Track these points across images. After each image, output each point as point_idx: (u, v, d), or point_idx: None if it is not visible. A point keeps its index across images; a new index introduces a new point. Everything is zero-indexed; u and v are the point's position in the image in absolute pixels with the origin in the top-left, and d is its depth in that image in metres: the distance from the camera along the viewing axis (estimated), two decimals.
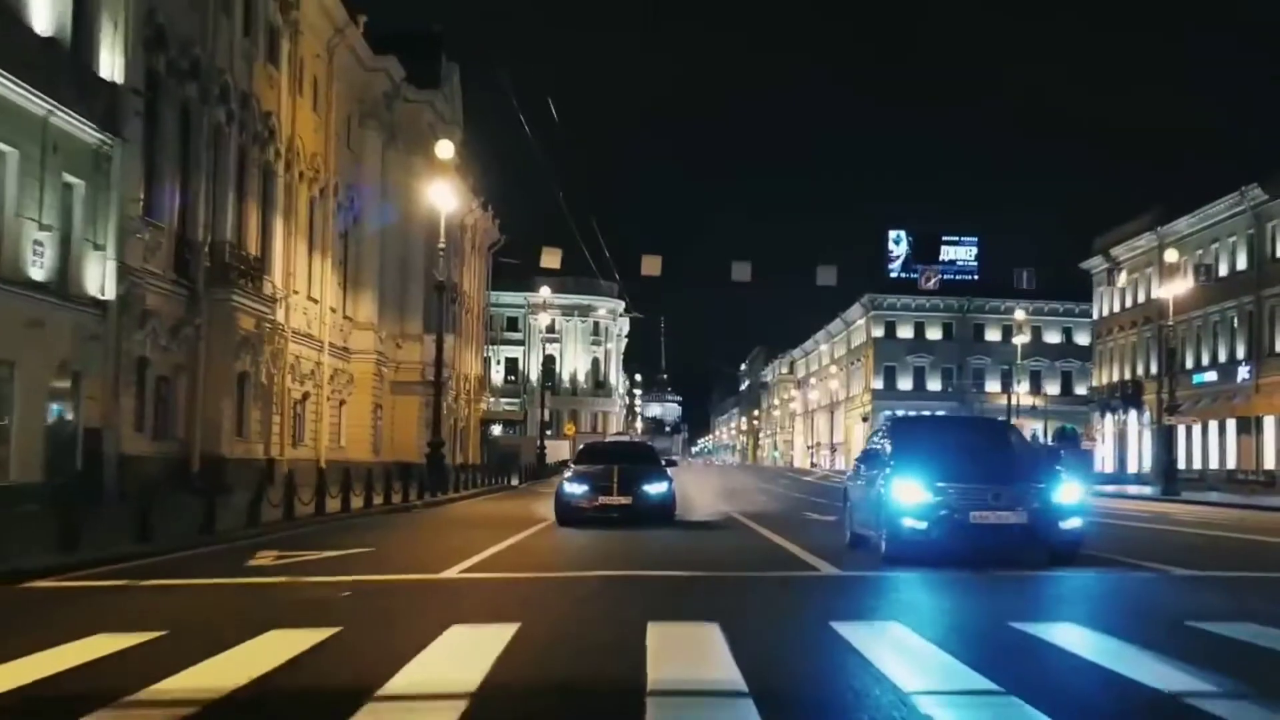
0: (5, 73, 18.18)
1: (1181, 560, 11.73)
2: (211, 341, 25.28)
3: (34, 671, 5.43)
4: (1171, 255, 46.34)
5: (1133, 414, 61.30)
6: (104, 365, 21.52)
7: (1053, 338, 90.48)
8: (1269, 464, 46.89)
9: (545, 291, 59.34)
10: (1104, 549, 12.34)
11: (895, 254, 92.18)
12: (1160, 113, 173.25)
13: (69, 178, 20.48)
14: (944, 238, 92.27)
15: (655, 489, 18.11)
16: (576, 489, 18.17)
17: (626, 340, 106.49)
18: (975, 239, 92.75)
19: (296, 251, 32.45)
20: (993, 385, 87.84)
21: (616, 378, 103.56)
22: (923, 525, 10.41)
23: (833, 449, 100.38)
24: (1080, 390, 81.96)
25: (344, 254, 37.51)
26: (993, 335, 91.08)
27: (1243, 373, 50.22)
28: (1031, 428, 79.65)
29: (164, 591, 9.22)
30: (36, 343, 19.35)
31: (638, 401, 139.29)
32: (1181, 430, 54.46)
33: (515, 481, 41.53)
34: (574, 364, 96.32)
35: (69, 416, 20.79)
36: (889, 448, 12.22)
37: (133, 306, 22.21)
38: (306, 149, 33.06)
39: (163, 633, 6.59)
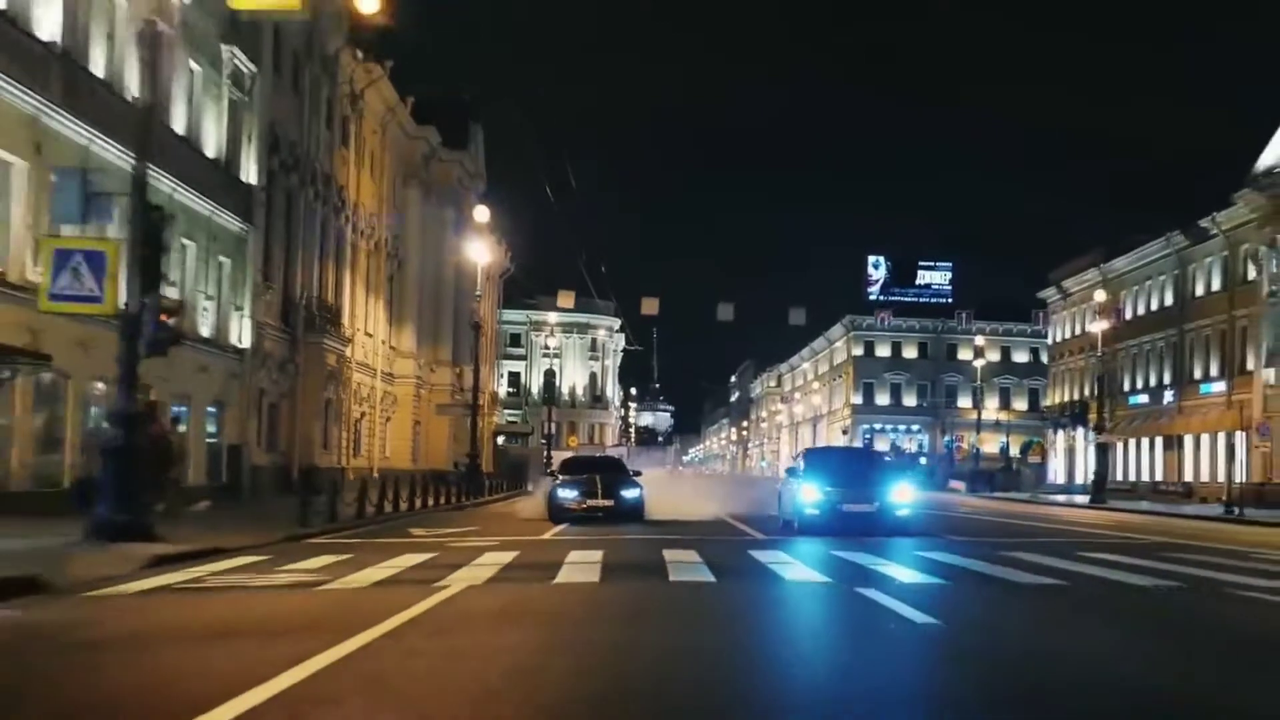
0: (189, 188, 25.66)
1: (965, 534, 19.32)
2: (307, 375, 32.75)
3: (388, 570, 12.66)
4: (1100, 295, 54.20)
5: (1079, 431, 68.87)
6: (240, 397, 29.02)
7: (1021, 357, 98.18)
8: (1188, 477, 54.48)
9: (552, 317, 66.91)
10: (931, 528, 19.99)
11: (875, 278, 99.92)
12: (1143, 136, 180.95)
13: (221, 258, 27.99)
14: (920, 263, 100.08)
15: (631, 494, 22.98)
16: (569, 493, 22.91)
17: (622, 354, 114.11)
18: (950, 264, 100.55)
19: (357, 296, 39.96)
20: (964, 401, 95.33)
21: (612, 391, 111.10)
22: (816, 511, 18.05)
23: None
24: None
25: (390, 294, 45.02)
26: (965, 354, 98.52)
27: (1168, 396, 57.97)
28: (1001, 440, 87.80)
29: (393, 542, 16.46)
30: (202, 382, 26.81)
31: (632, 413, 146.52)
32: (1119, 446, 62.38)
33: (530, 487, 48.87)
34: (573, 378, 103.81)
35: (218, 436, 28.29)
36: (802, 466, 20.04)
37: (259, 352, 29.71)
38: (365, 210, 40.57)
39: (432, 555, 13.89)
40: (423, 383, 47.50)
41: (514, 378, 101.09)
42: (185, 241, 25.70)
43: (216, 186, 27.18)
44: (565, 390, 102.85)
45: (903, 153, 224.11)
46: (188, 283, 26.06)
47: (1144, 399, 60.96)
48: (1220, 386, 52.84)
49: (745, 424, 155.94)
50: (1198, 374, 55.74)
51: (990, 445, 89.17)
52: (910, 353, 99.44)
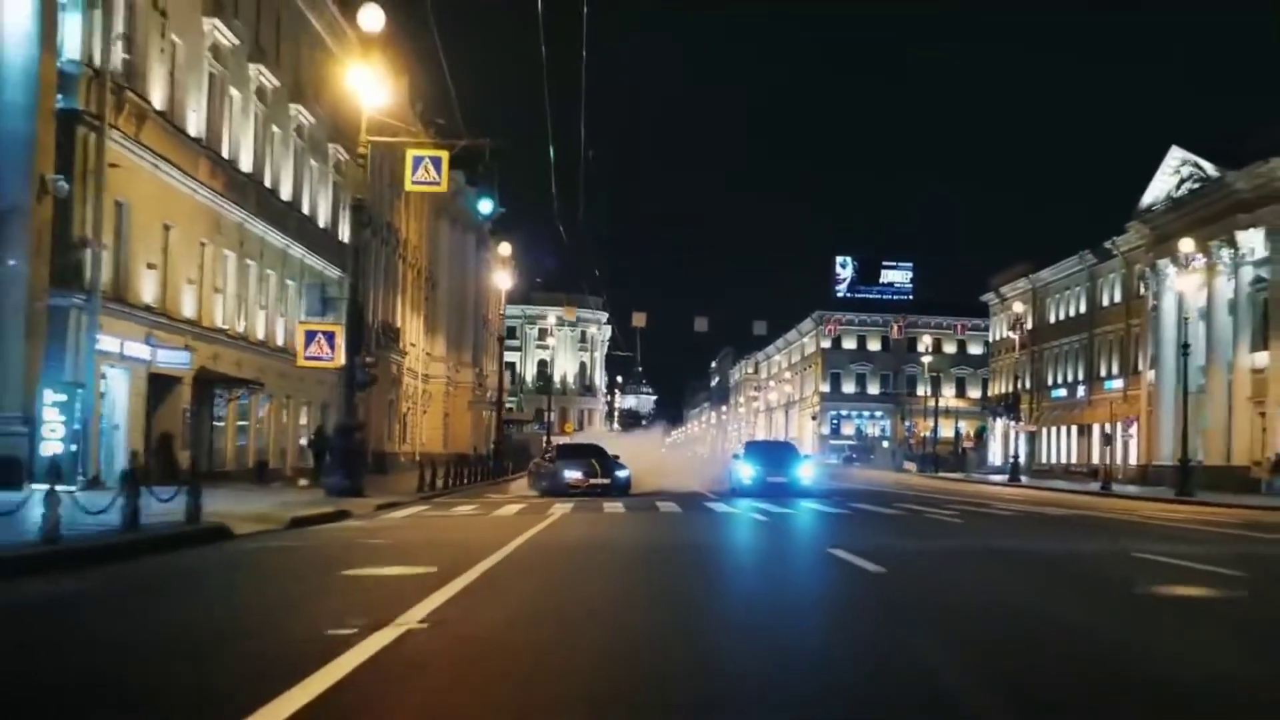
0: (313, 252, 36.25)
1: (846, 496, 30.06)
2: (380, 382, 43.34)
3: (510, 510, 23.18)
4: (1019, 307, 65.24)
5: (1012, 419, 79.93)
6: (336, 395, 39.64)
7: (976, 349, 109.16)
8: (1094, 460, 65.52)
9: (551, 319, 77.50)
10: (824, 492, 30.74)
11: (842, 276, 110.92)
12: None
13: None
14: (884, 263, 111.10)
15: (623, 474, 29.64)
16: (574, 473, 29.15)
17: (608, 344, 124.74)
18: (910, 264, 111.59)
19: (406, 314, 50.54)
20: (923, 389, 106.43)
21: (600, 379, 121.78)
22: (749, 482, 28.92)
23: None
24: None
25: (426, 309, 55.61)
26: (924, 347, 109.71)
27: (1081, 391, 69.09)
28: (959, 424, 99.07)
29: (490, 498, 26.94)
30: (318, 390, 37.46)
31: (617, 397, 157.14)
32: (1044, 433, 73.76)
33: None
34: (564, 368, 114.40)
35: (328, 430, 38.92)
36: (742, 452, 31.02)
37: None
38: (411, 244, 51.11)
39: (522, 505, 24.42)
40: (451, 381, 58.17)
41: (509, 367, 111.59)
42: (300, 284, 36.36)
43: (326, 247, 37.81)
44: (557, 379, 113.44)
45: (878, 151, 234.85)
46: (303, 316, 36.64)
47: (1063, 392, 72.06)
48: (1119, 383, 63.99)
49: (724, 408, 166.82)
50: (1103, 372, 66.83)
51: (948, 430, 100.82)
52: (874, 345, 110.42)
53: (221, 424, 29.83)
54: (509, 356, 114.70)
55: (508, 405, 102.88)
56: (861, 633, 7.60)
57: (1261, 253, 49.14)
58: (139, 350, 24.14)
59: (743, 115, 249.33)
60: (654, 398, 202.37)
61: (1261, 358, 49.31)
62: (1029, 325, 76.63)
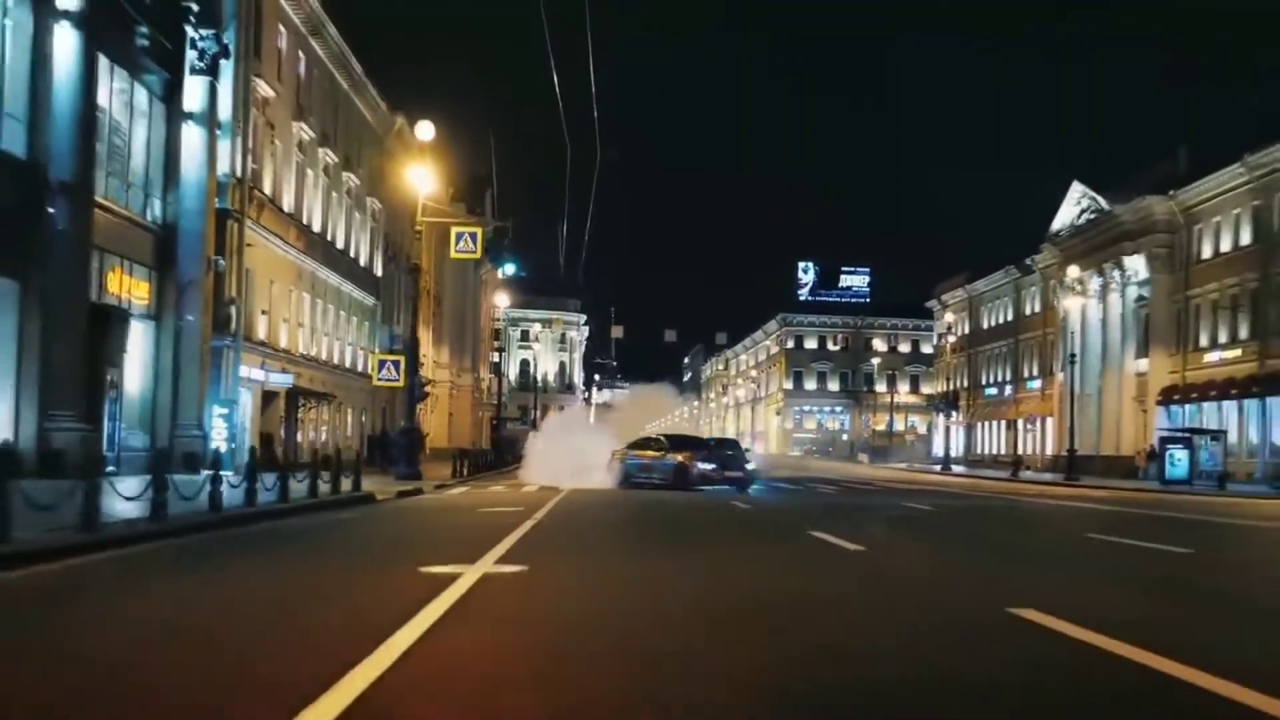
0: (353, 284, 45.65)
1: (778, 479, 39.63)
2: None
3: (533, 487, 32.60)
4: (950, 316, 75.12)
5: (954, 414, 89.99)
6: (370, 401, 49.16)
7: (928, 348, 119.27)
8: (1020, 450, 75.51)
9: (537, 329, 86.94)
10: (770, 480, 40.30)
11: (804, 281, 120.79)
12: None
13: (364, 321, 48.06)
14: (843, 268, 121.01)
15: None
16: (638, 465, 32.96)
17: (586, 343, 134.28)
18: (868, 269, 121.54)
19: (421, 329, 59.87)
20: (880, 386, 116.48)
21: (579, 377, 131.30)
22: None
23: (753, 436, 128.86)
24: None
25: (434, 323, 65.02)
26: (880, 346, 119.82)
27: (1008, 390, 79.12)
28: (911, 418, 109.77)
29: (511, 482, 36.38)
30: (359, 396, 46.90)
31: (594, 394, 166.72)
32: (979, 427, 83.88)
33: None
34: (545, 367, 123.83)
35: (375, 427, 48.43)
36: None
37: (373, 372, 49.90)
38: (424, 270, 60.41)
39: (536, 487, 33.87)
40: (454, 385, 67.65)
41: (493, 366, 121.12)
42: (351, 315, 45.85)
43: (365, 281, 47.27)
44: (539, 377, 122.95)
45: (844, 158, 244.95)
46: (350, 337, 46.24)
47: (994, 391, 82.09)
48: (1038, 384, 74.04)
49: (696, 403, 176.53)
50: (1026, 374, 76.88)
51: (904, 424, 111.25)
52: (834, 345, 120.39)
53: (300, 425, 39.30)
54: (493, 356, 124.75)
55: (495, 403, 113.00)
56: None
57: (1143, 275, 59.18)
58: (258, 374, 33.60)
59: (719, 121, 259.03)
60: (628, 390, 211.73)
61: (1143, 364, 59.40)
62: (966, 330, 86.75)
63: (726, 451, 33.33)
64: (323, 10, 38.32)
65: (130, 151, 27.54)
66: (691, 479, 31.23)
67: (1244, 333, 51.82)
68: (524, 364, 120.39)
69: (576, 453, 34.61)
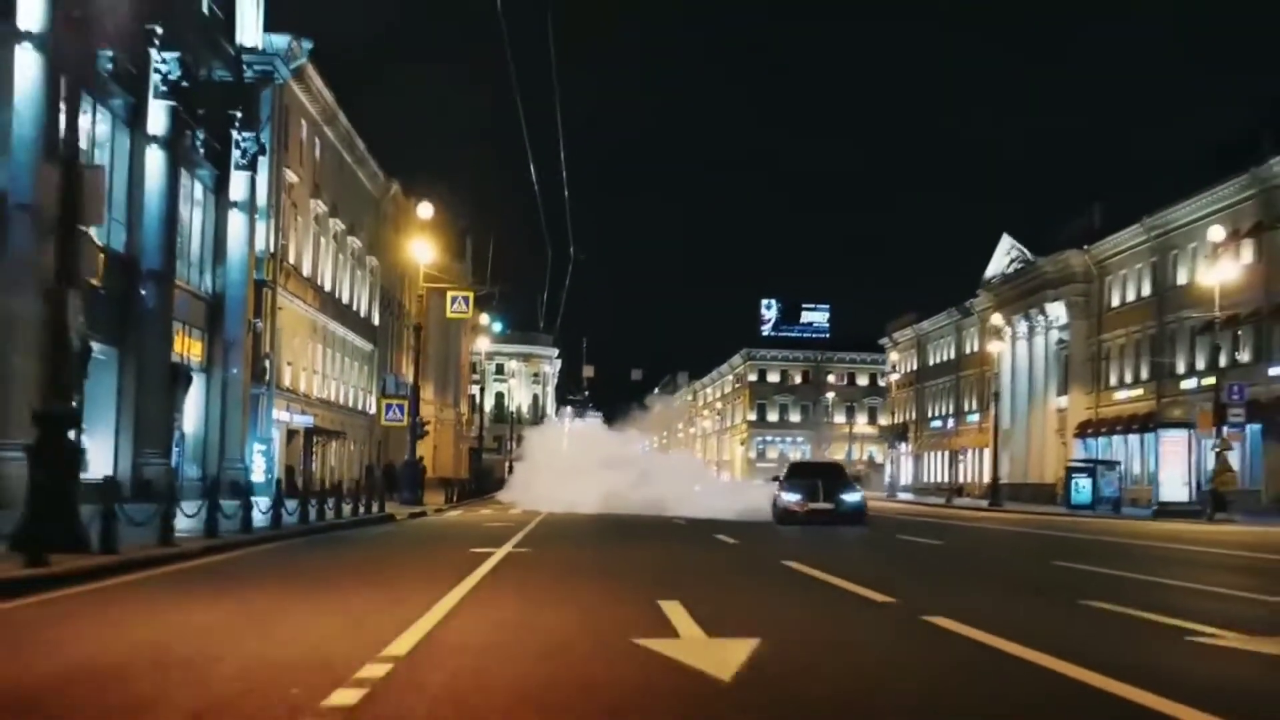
0: (353, 333, 52.22)
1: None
2: None
3: (518, 510, 39.09)
4: (894, 357, 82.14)
5: (904, 445, 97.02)
6: (369, 435, 55.66)
7: (884, 381, 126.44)
8: (961, 479, 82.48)
9: (512, 364, 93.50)
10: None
11: (767, 317, 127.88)
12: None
13: (363, 365, 54.60)
14: (804, 305, 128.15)
15: (851, 498, 27.95)
16: (792, 496, 27.91)
17: (558, 376, 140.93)
18: (828, 306, 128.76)
19: (406, 367, 66.39)
20: (839, 418, 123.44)
21: (551, 408, 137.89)
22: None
23: (719, 465, 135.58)
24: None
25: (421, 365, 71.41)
26: (839, 379, 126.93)
27: (950, 422, 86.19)
28: (869, 448, 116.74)
29: (498, 505, 42.89)
30: (361, 433, 53.40)
31: (567, 424, 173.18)
32: (926, 457, 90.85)
33: (505, 488, 75.61)
34: (519, 399, 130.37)
35: (365, 458, 54.90)
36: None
37: (380, 413, 56.46)
38: (410, 313, 67.02)
39: (520, 509, 40.32)
40: (438, 419, 74.07)
41: (473, 402, 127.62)
42: (354, 361, 52.39)
43: (363, 329, 53.84)
44: (514, 409, 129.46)
45: (807, 193, 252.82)
46: (353, 380, 52.78)
47: (939, 423, 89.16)
48: (977, 417, 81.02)
49: (665, 433, 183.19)
50: (966, 407, 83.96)
51: (861, 453, 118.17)
52: (796, 378, 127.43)
53: (315, 459, 45.79)
54: (470, 390, 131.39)
55: (474, 435, 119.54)
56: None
57: (1063, 320, 66.34)
58: (284, 416, 40.11)
59: (691, 156, 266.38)
60: (600, 422, 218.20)
61: (1064, 400, 66.49)
62: (914, 366, 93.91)
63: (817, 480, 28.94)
64: (335, 102, 45.01)
65: (190, 235, 34.12)
66: (778, 515, 28.28)
67: (1144, 374, 58.93)
68: (499, 396, 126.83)
69: (552, 483, 39.41)
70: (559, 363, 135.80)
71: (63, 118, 14.99)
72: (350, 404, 51.84)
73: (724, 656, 6.32)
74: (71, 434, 13.39)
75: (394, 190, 56.94)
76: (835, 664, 6.52)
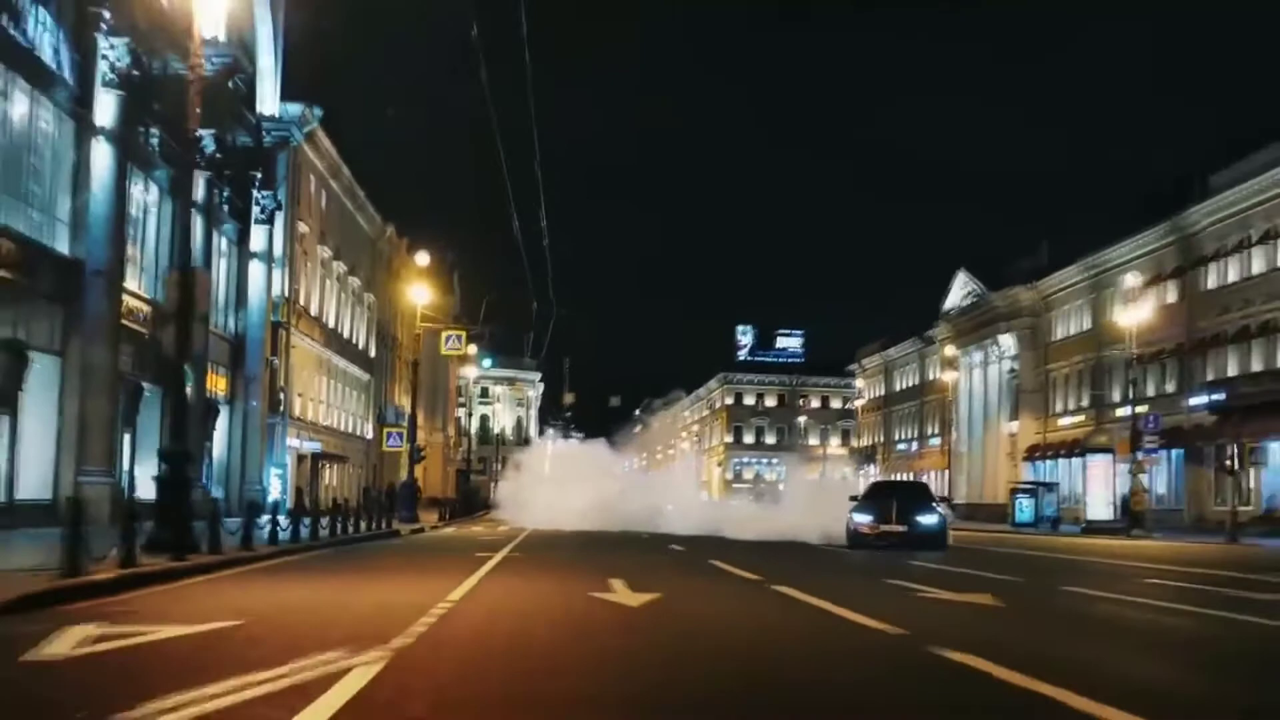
0: (352, 364, 57.15)
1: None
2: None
3: (506, 526, 43.96)
4: (859, 383, 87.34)
5: (872, 467, 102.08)
6: (365, 458, 60.53)
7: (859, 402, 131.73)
8: None
9: (497, 388, 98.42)
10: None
11: (743, 343, 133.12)
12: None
13: (361, 394, 59.50)
14: (779, 330, 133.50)
15: (928, 519, 26.41)
16: (863, 518, 26.43)
17: (541, 398, 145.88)
18: (802, 331, 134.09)
19: (401, 396, 71.31)
20: (814, 440, 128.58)
21: (534, 430, 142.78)
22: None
23: (697, 486, 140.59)
24: None
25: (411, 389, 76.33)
26: (814, 403, 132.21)
27: (915, 445, 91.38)
28: (843, 469, 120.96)
29: (488, 521, 47.74)
30: (360, 456, 58.27)
31: (549, 446, 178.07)
32: (894, 478, 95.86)
33: (492, 508, 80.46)
34: (503, 421, 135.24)
35: (363, 480, 59.78)
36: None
37: (377, 440, 61.34)
38: (404, 345, 71.99)
39: (508, 526, 45.20)
40: (428, 442, 78.89)
41: (460, 427, 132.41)
42: (352, 390, 57.28)
43: (361, 360, 58.76)
44: (497, 430, 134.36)
45: (783, 220, 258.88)
46: (352, 408, 57.68)
47: (904, 446, 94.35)
48: (938, 440, 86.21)
49: (645, 454, 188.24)
50: (929, 431, 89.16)
51: (834, 475, 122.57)
52: (771, 401, 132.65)
53: (321, 481, 50.66)
54: (457, 413, 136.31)
55: (460, 457, 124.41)
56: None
57: (1014, 351, 71.56)
58: (295, 443, 44.99)
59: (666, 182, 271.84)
60: (583, 443, 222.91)
61: (1015, 425, 71.66)
62: (882, 391, 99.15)
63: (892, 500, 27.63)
64: (339, 157, 50.04)
65: (216, 284, 39.03)
66: (849, 537, 26.72)
67: (1085, 402, 64.16)
68: (484, 418, 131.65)
69: (538, 502, 44.11)
70: (542, 386, 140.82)
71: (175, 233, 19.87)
72: (350, 430, 56.74)
73: (638, 599, 11.34)
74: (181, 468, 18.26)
75: (389, 232, 61.99)
76: (700, 603, 11.56)
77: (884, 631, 9.18)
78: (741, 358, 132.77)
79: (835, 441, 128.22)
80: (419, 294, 45.01)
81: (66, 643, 7.98)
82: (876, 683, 7.06)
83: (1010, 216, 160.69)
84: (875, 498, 28.62)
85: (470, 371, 74.77)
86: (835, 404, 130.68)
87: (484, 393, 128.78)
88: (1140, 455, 46.99)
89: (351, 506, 38.06)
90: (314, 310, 48.69)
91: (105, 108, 28.25)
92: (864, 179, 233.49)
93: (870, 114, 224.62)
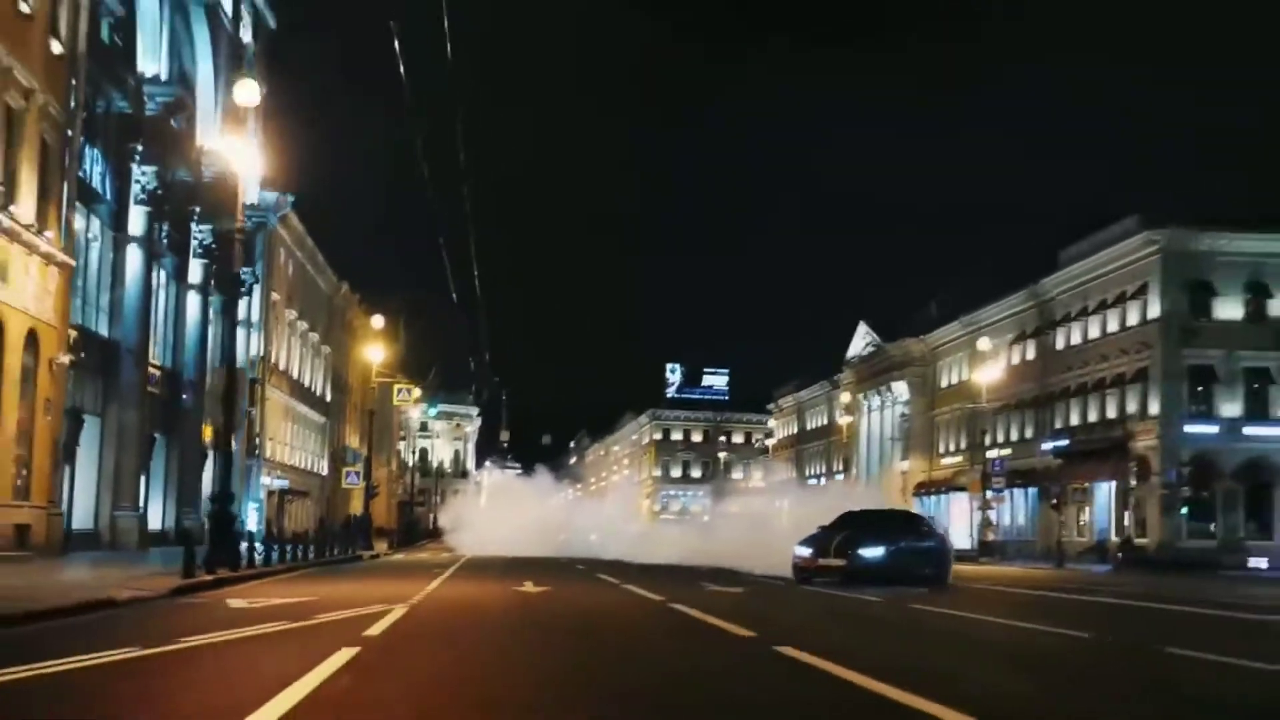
0: (308, 408, 64.89)
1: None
2: (340, 482, 71.84)
3: (448, 551, 51.72)
4: (772, 423, 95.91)
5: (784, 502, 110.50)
6: (321, 493, 68.15)
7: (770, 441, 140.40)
8: None
9: (436, 424, 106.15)
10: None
11: (671, 381, 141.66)
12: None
13: (316, 435, 67.18)
14: (705, 370, 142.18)
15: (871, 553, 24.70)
16: (804, 550, 25.40)
17: (478, 432, 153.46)
18: (727, 370, 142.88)
19: (351, 435, 78.88)
20: (738, 474, 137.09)
21: (471, 463, 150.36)
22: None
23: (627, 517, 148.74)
24: None
25: (360, 428, 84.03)
26: (738, 438, 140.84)
27: (823, 481, 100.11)
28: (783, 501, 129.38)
29: (433, 549, 55.48)
30: (317, 490, 65.91)
31: (486, 476, 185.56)
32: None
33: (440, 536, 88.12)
34: (442, 454, 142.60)
35: (319, 512, 67.45)
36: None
37: (332, 477, 68.99)
38: (354, 389, 79.60)
39: (450, 551, 52.98)
40: (376, 477, 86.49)
41: (402, 463, 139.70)
42: (310, 432, 65.00)
43: (318, 405, 66.48)
44: (436, 463, 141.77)
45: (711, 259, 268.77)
46: (310, 447, 65.37)
47: (814, 481, 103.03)
48: (842, 477, 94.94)
49: (579, 486, 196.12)
50: (835, 468, 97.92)
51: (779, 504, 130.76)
52: (697, 437, 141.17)
53: (284, 513, 58.28)
54: (398, 445, 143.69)
55: (401, 491, 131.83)
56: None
57: (906, 397, 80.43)
58: (267, 481, 52.69)
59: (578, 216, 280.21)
60: (518, 473, 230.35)
61: (906, 464, 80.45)
62: (795, 430, 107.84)
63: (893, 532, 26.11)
64: (303, 229, 57.94)
65: (210, 349, 46.82)
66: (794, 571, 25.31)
67: (963, 444, 73.05)
68: (423, 451, 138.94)
69: (478, 531, 52.36)
70: (479, 420, 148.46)
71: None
72: (309, 468, 64.37)
73: (536, 589, 19.57)
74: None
75: (344, 289, 69.87)
76: (578, 593, 19.80)
77: (661, 600, 17.42)
78: (670, 395, 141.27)
79: (757, 474, 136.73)
80: (374, 353, 52.82)
81: (238, 603, 15.99)
82: (638, 611, 15.28)
83: (917, 265, 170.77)
84: (837, 528, 25.98)
85: (415, 413, 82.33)
86: (757, 439, 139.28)
87: (424, 427, 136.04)
88: (989, 494, 55.80)
89: (312, 536, 45.64)
90: (282, 366, 56.43)
91: (136, 219, 36.17)
92: (794, 216, 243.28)
93: (801, 156, 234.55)
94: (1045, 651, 12.02)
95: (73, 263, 30.18)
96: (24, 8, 25.96)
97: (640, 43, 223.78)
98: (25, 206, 26.36)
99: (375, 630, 12.03)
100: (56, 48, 28.09)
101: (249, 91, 25.92)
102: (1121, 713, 8.06)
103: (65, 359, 29.39)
